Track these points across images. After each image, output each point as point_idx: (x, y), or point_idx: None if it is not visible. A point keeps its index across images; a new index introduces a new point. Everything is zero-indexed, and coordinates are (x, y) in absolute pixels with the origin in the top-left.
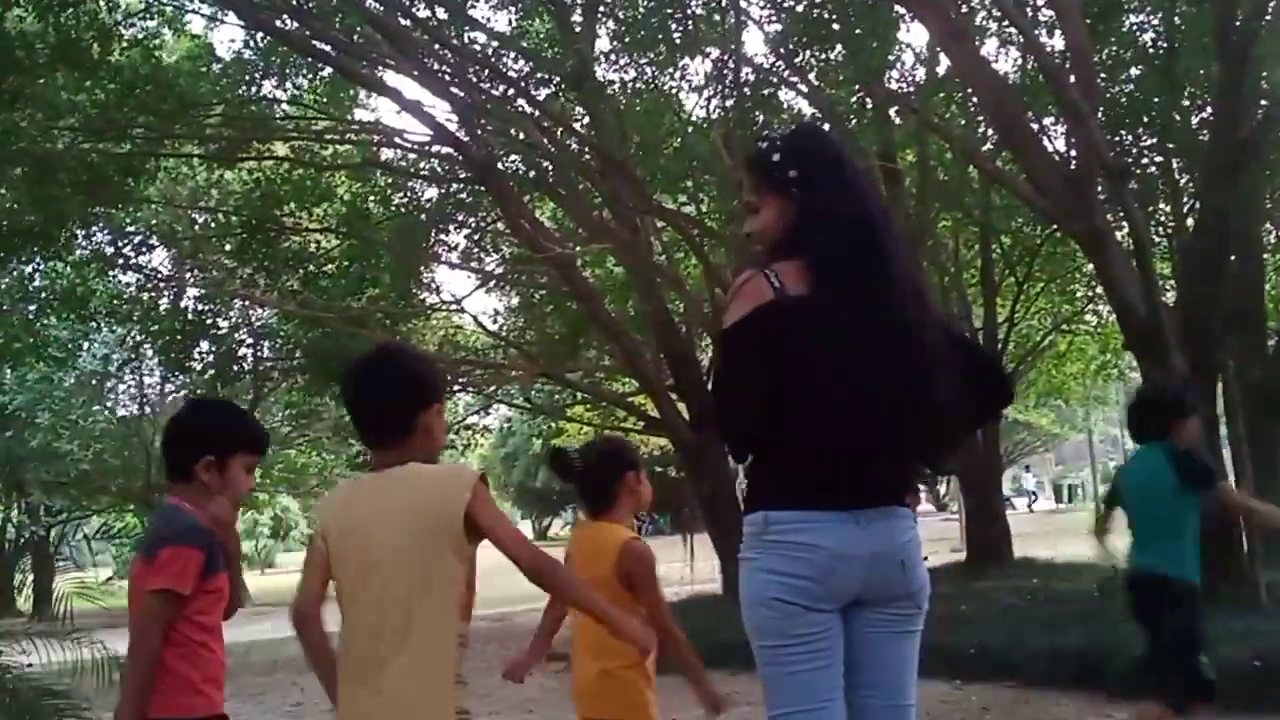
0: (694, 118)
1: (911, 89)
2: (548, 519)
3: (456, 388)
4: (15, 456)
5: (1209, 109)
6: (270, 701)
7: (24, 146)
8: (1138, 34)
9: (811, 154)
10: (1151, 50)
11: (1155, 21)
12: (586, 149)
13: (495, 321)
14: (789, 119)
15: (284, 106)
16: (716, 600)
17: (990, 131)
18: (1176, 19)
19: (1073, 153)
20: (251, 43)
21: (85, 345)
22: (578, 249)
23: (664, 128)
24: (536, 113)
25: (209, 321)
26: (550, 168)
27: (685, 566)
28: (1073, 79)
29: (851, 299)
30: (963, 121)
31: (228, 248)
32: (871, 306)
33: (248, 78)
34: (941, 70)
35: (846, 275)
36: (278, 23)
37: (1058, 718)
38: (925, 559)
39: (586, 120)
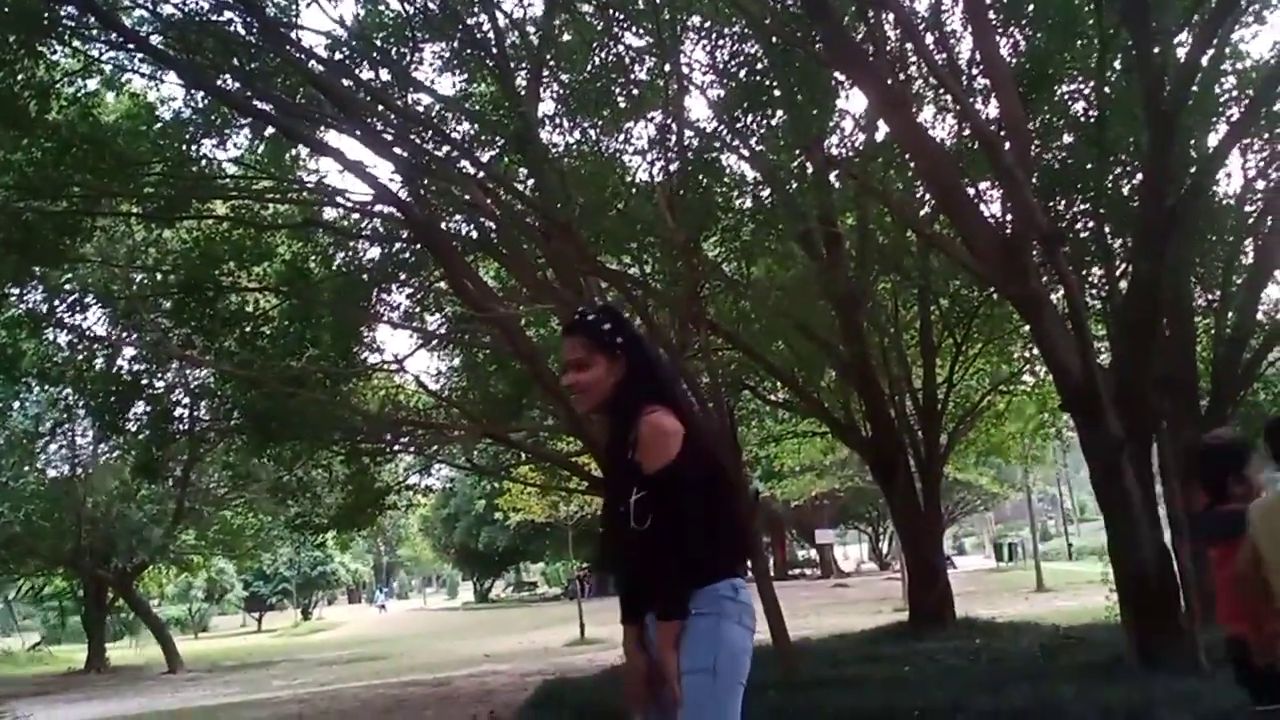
0: (638, 180)
1: (851, 154)
2: (489, 580)
3: (397, 448)
4: None
5: (1139, 175)
6: None
7: None
8: (1070, 102)
9: (626, 324)
10: (1083, 118)
11: (1086, 90)
12: (530, 210)
13: (438, 381)
14: (731, 182)
15: (225, 165)
16: None
17: (928, 196)
18: (1107, 89)
19: (1008, 217)
20: (192, 102)
21: (15, 405)
22: (521, 309)
23: (608, 190)
24: (480, 174)
25: (144, 382)
26: (493, 228)
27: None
28: (1007, 146)
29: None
30: (901, 186)
31: (165, 307)
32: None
33: (187, 136)
34: (880, 136)
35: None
36: (219, 82)
37: None
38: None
39: (530, 182)
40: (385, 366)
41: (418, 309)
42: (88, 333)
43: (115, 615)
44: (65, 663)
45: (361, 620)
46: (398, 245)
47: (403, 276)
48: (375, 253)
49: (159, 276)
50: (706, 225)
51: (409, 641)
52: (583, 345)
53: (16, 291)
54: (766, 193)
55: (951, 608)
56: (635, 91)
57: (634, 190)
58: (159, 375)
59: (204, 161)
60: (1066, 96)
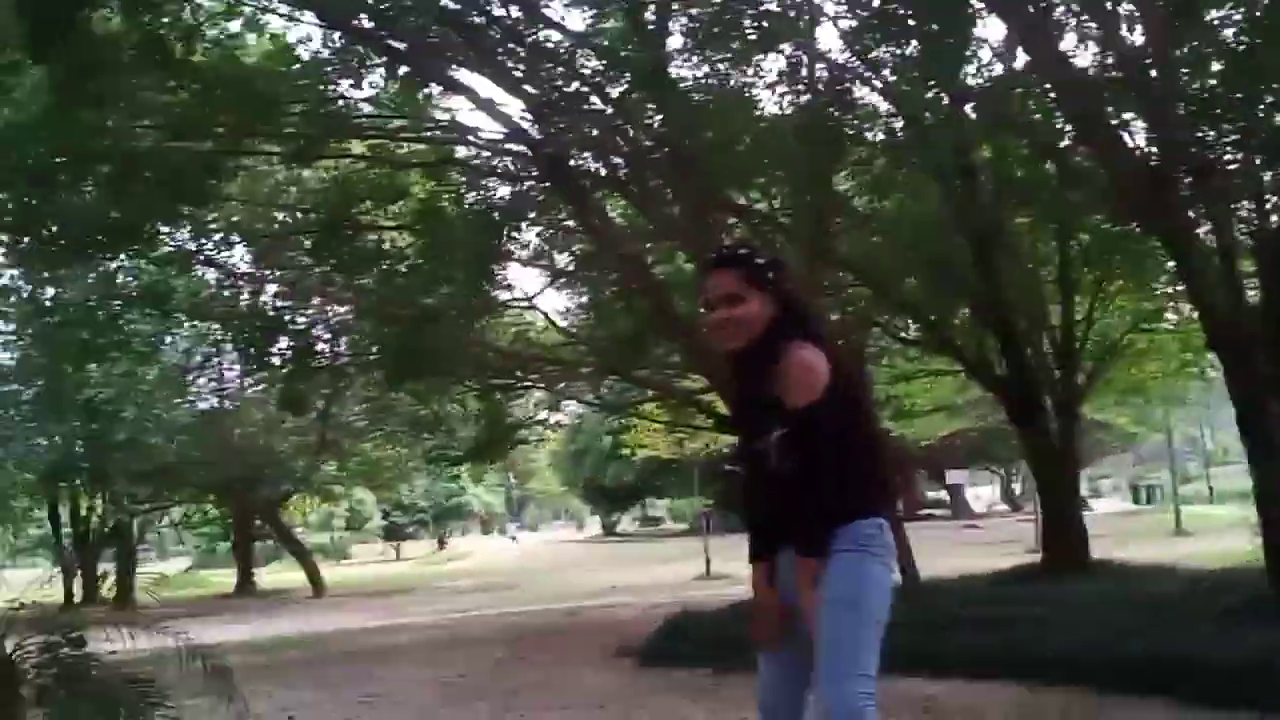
0: (767, 114)
1: (988, 84)
2: (615, 515)
3: (527, 384)
4: (101, 448)
5: None
6: (345, 692)
7: (110, 146)
8: (1219, 28)
9: (775, 258)
10: (1233, 45)
11: (1237, 15)
12: (659, 146)
13: (566, 318)
14: (862, 115)
15: (360, 105)
16: None
17: (1068, 127)
18: (1259, 13)
19: (1153, 149)
20: (329, 42)
21: (167, 340)
22: (648, 246)
23: (737, 124)
24: (609, 110)
25: (287, 318)
26: (622, 165)
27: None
28: (1153, 74)
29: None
30: (1040, 117)
31: (306, 245)
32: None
33: (325, 77)
34: (1019, 65)
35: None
36: (354, 22)
37: None
38: None
39: (659, 118)
40: (515, 303)
41: (547, 247)
42: (233, 270)
43: (262, 542)
44: (215, 587)
45: (493, 551)
46: (527, 183)
47: (532, 214)
48: (506, 191)
49: (299, 215)
50: (837, 159)
51: (539, 572)
52: (737, 279)
53: (166, 230)
54: (899, 125)
55: (1086, 550)
56: (765, 24)
57: (763, 124)
58: (301, 311)
59: (340, 102)
60: (1216, 22)
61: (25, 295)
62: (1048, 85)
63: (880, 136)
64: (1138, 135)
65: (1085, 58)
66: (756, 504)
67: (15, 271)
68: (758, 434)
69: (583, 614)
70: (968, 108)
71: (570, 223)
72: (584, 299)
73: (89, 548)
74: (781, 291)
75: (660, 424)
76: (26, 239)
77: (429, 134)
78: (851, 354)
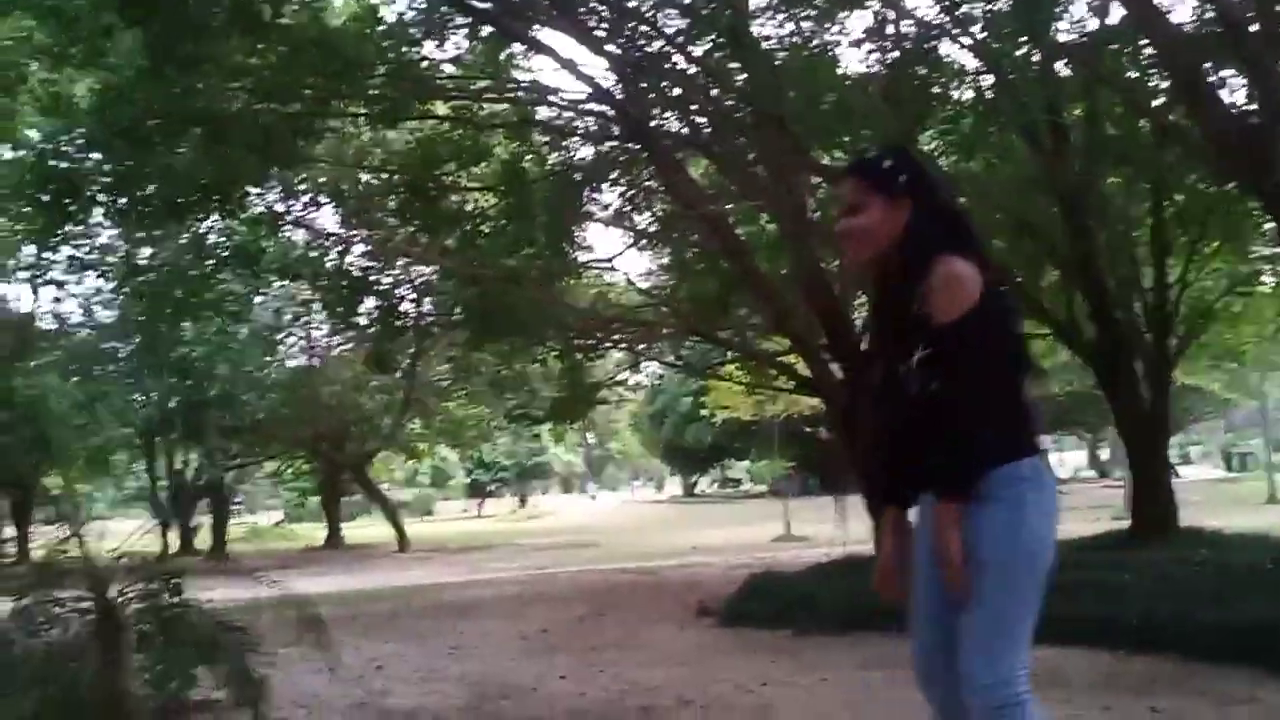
0: (853, 73)
1: (1082, 40)
2: (695, 475)
3: (608, 344)
4: (195, 404)
5: None
6: (432, 643)
7: (202, 108)
8: None
9: (913, 163)
10: None
11: None
12: (742, 105)
13: (647, 279)
14: (950, 72)
15: (444, 67)
16: (869, 562)
17: (1164, 84)
18: None
19: (1253, 106)
20: (413, 4)
21: (258, 300)
22: (730, 207)
23: (820, 83)
24: (692, 69)
25: (373, 278)
26: (705, 124)
27: (836, 528)
28: (1254, 28)
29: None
30: (1135, 74)
31: (391, 206)
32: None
33: (410, 38)
34: (1113, 20)
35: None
36: None
37: (1227, 692)
38: None
39: (743, 77)
40: (596, 265)
41: (628, 207)
42: (321, 231)
43: (350, 497)
44: (305, 540)
45: (573, 510)
46: (609, 144)
47: (614, 175)
48: (587, 152)
49: (385, 176)
50: (923, 118)
51: (618, 531)
52: (856, 187)
53: (256, 192)
54: (988, 83)
55: (1175, 517)
56: None
57: (848, 83)
58: (386, 272)
59: (424, 63)
60: None
61: (123, 255)
62: (1144, 41)
63: (968, 95)
64: (1236, 93)
65: (1183, 12)
66: (892, 440)
67: (114, 231)
68: (898, 357)
69: (662, 573)
70: (1060, 65)
71: (652, 184)
72: (665, 260)
73: (185, 501)
74: (925, 199)
75: (741, 386)
76: (123, 200)
77: (511, 95)
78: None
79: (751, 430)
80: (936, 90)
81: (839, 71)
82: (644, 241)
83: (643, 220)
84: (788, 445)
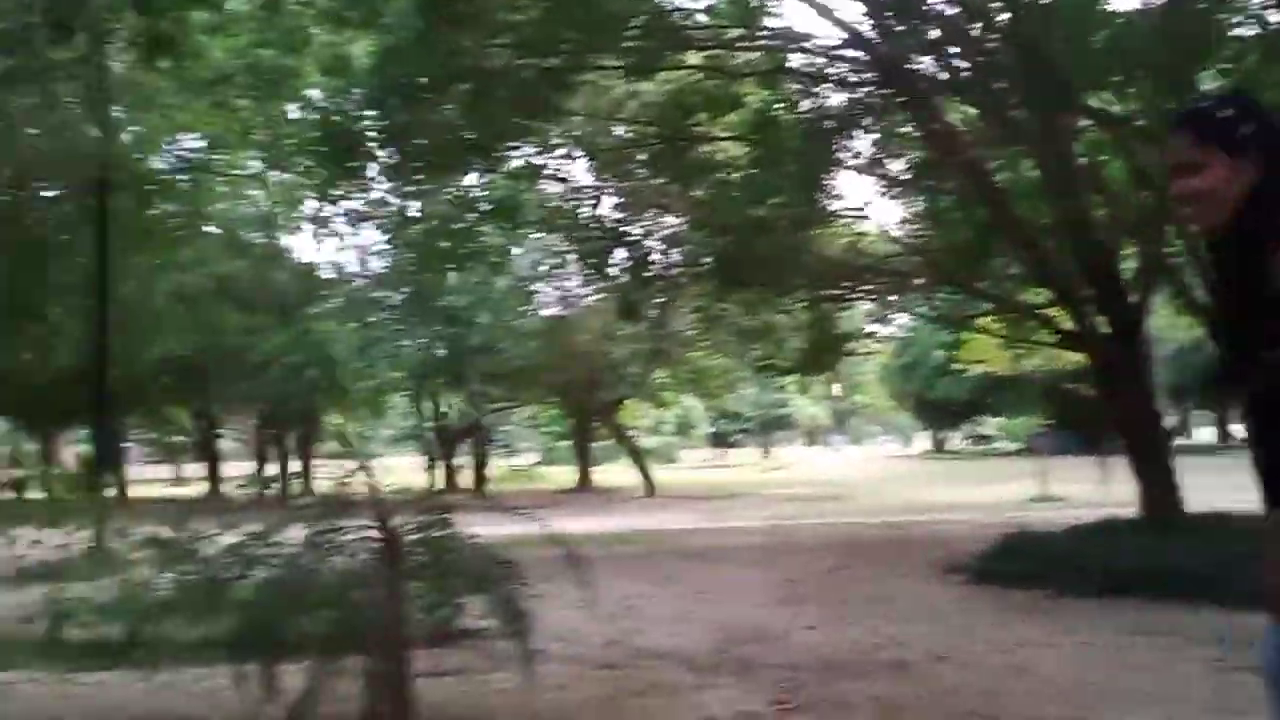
0: (1125, 10)
1: None
2: (944, 431)
3: (857, 295)
4: (458, 351)
5: None
6: (680, 587)
7: (468, 65)
8: None
9: (1259, 112)
10: None
11: None
12: (1005, 46)
13: (899, 228)
14: (1233, 9)
15: (698, 16)
16: (1130, 525)
17: None
18: None
19: None
20: None
21: (516, 252)
22: (990, 152)
23: (1092, 22)
24: (953, 10)
25: (624, 229)
26: (965, 68)
27: (1098, 488)
28: None
29: None
30: None
31: (642, 157)
32: None
33: None
34: None
35: None
36: None
37: None
38: None
39: (1005, 16)
40: (847, 213)
41: (881, 154)
42: (575, 183)
43: (599, 442)
44: (556, 482)
45: (817, 462)
46: (863, 90)
47: (867, 121)
48: (840, 98)
49: (637, 128)
50: (1205, 57)
51: (863, 485)
52: (1191, 143)
53: (515, 146)
54: (1277, 18)
55: None
56: None
57: (1121, 21)
58: (637, 223)
59: (678, 14)
60: None
61: (395, 208)
62: None
63: (1253, 30)
64: None
65: None
66: (1271, 440)
67: (387, 185)
68: (1262, 344)
69: (910, 529)
70: None
71: (907, 130)
72: (919, 208)
73: (448, 441)
74: (1269, 149)
75: (997, 339)
76: (396, 155)
77: (763, 43)
78: None
79: (1007, 385)
80: (1218, 25)
81: (1110, 7)
82: (897, 189)
83: (896, 167)
84: (1045, 401)
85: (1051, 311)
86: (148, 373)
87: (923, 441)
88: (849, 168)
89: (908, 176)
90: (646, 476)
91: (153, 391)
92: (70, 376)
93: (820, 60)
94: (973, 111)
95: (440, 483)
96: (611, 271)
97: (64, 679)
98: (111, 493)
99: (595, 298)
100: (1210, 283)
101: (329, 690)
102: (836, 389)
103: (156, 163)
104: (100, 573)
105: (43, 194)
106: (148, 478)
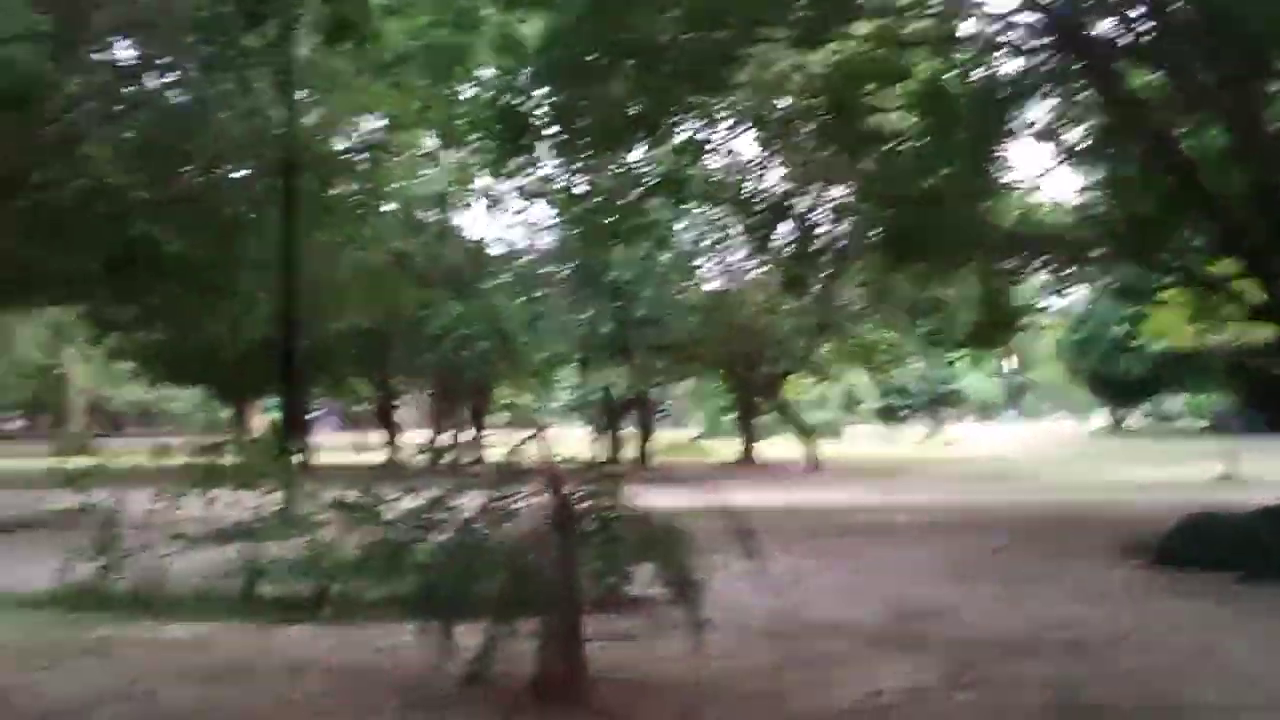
0: None
1: None
2: (1123, 408)
3: (1032, 268)
4: (624, 324)
5: None
6: (848, 561)
7: (636, 40)
8: None
9: None
10: None
11: None
12: (1192, 7)
13: (1077, 198)
14: None
15: None
16: None
17: None
18: None
19: None
20: None
21: (681, 225)
22: (1175, 118)
23: None
24: None
25: (789, 202)
26: (1147, 30)
27: None
28: None
29: None
30: None
31: (809, 129)
32: None
33: None
34: None
35: None
36: None
37: None
38: None
39: None
40: (1022, 183)
41: (1058, 123)
42: (740, 156)
43: (762, 417)
44: (719, 456)
45: (988, 439)
46: (1038, 56)
47: (1043, 89)
48: (1014, 65)
49: (804, 100)
50: None
51: (1037, 463)
52: None
53: (681, 120)
54: None
55: None
56: None
57: None
58: (803, 195)
59: None
60: None
61: (562, 184)
62: None
63: None
64: None
65: None
66: None
67: (555, 162)
68: None
69: (1086, 508)
70: None
71: (1085, 96)
72: (1099, 177)
73: (614, 413)
74: None
75: (1181, 313)
76: (564, 131)
77: (934, 10)
78: None
79: (1191, 361)
80: None
81: None
82: (1075, 158)
83: (1074, 136)
84: (1232, 378)
85: (1240, 284)
86: (331, 344)
87: (1100, 419)
88: (1023, 137)
89: (1086, 145)
90: (811, 452)
91: (336, 362)
92: (260, 348)
93: (993, 26)
94: (1156, 76)
95: (606, 454)
96: (776, 245)
97: (258, 632)
98: (298, 459)
99: (760, 271)
100: None
101: (504, 650)
102: (1009, 364)
103: (338, 143)
104: (291, 534)
105: (233, 175)
106: (331, 445)
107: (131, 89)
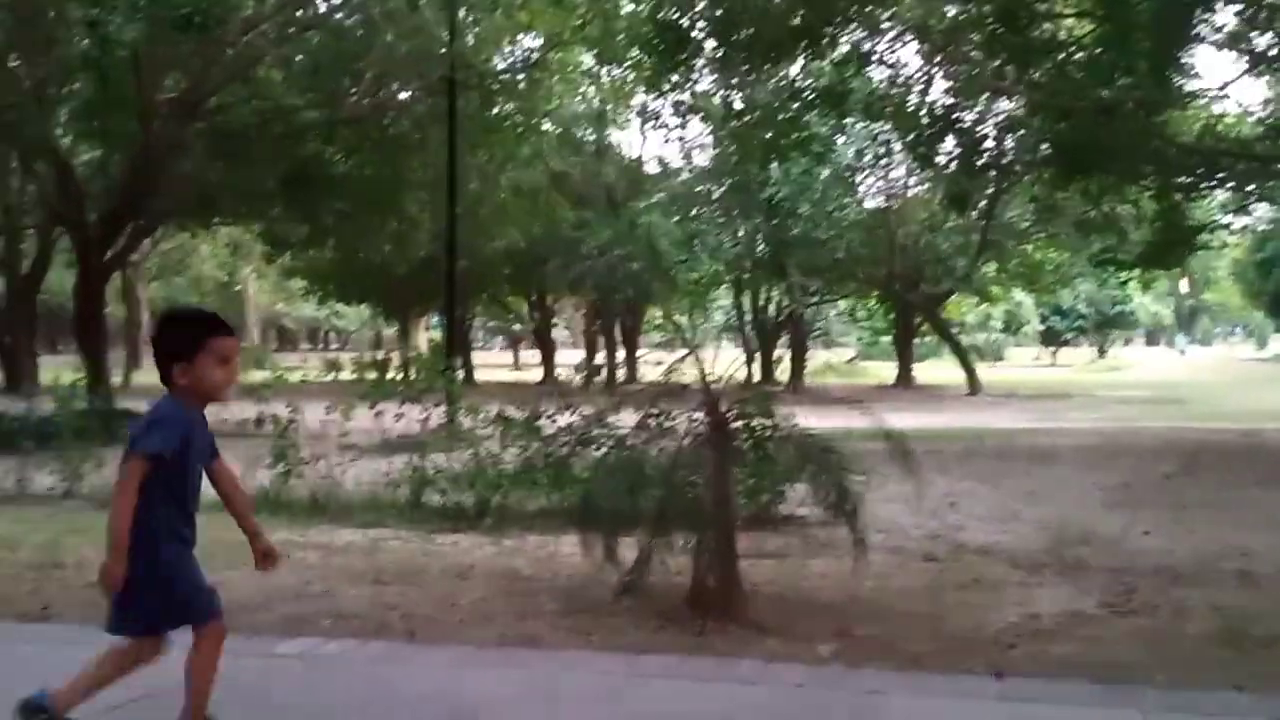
0: None
1: None
2: None
3: (1213, 183)
4: (779, 242)
5: None
6: (1006, 485)
7: None
8: None
9: None
10: None
11: None
12: None
13: (1264, 109)
14: None
15: None
16: None
17: None
18: None
19: None
20: None
21: (840, 141)
22: None
23: None
24: None
25: (955, 115)
26: None
27: None
28: None
29: None
30: None
31: (977, 39)
32: None
33: None
34: None
35: None
36: None
37: None
38: None
39: None
40: (1205, 93)
41: (1247, 27)
42: (904, 68)
43: (921, 339)
44: (876, 378)
45: (1159, 364)
46: None
47: None
48: None
49: (972, 7)
50: None
51: (1211, 389)
52: None
53: (843, 31)
54: None
55: None
56: None
57: None
58: (969, 108)
59: None
60: None
61: (720, 100)
62: None
63: None
64: None
65: None
66: None
67: (713, 78)
68: None
69: (1262, 436)
70: None
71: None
72: None
73: (768, 334)
74: None
75: None
76: (723, 45)
77: None
78: None
79: None
80: None
81: None
82: (1263, 66)
83: (1264, 41)
84: None
85: None
86: (491, 263)
87: (1278, 343)
88: (1209, 43)
89: (1276, 52)
90: (971, 374)
91: (495, 280)
92: (424, 266)
93: None
94: None
95: (758, 375)
96: (940, 160)
97: (425, 537)
98: (460, 374)
99: (922, 188)
100: None
101: (660, 563)
102: (1184, 285)
103: (499, 63)
104: (454, 446)
105: (399, 95)
106: (491, 363)
107: (303, 13)
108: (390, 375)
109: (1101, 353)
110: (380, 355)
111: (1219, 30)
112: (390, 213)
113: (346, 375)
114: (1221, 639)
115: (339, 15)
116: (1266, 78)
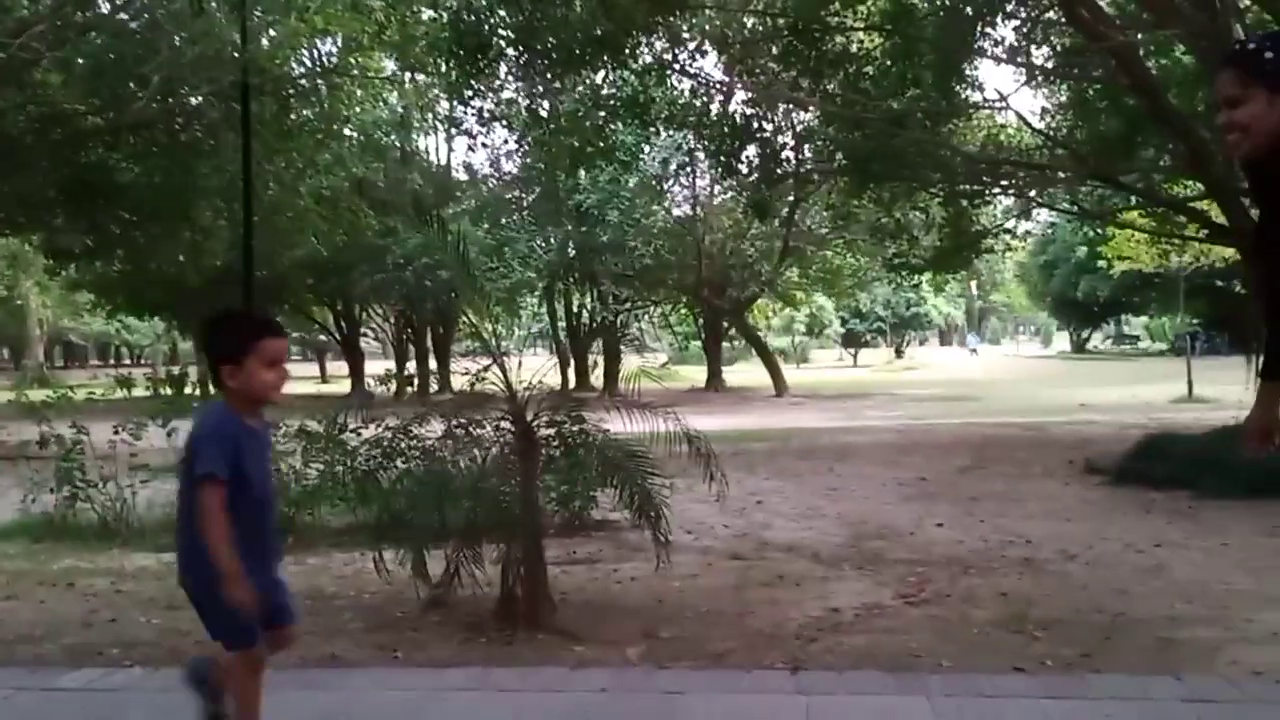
0: None
1: None
2: (1086, 331)
3: (996, 190)
4: (588, 249)
5: None
6: (809, 483)
7: None
8: None
9: None
10: None
11: None
12: None
13: (1042, 119)
14: None
15: None
16: None
17: None
18: None
19: None
20: None
21: (646, 149)
22: (1141, 37)
23: None
24: None
25: (755, 125)
26: None
27: (1246, 389)
28: None
29: None
30: None
31: (774, 51)
32: None
33: None
34: None
35: None
36: None
37: None
38: None
39: None
40: (987, 104)
41: (1024, 42)
42: (705, 79)
43: (729, 343)
44: (688, 382)
45: (952, 362)
46: None
47: (1009, 7)
48: None
49: (769, 21)
50: None
51: (1001, 386)
52: (1235, 79)
53: (645, 41)
54: None
55: None
56: None
57: None
58: (768, 118)
59: None
60: None
61: (525, 107)
62: None
63: None
64: None
65: None
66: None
67: (517, 85)
68: None
69: (1048, 429)
70: None
71: (1052, 15)
72: (1064, 98)
73: (580, 340)
74: None
75: (1144, 234)
76: (526, 53)
77: None
78: None
79: (1153, 283)
80: None
81: None
82: (1041, 78)
83: (1040, 55)
84: (1194, 300)
85: (1203, 205)
86: (291, 272)
87: (1062, 341)
88: (990, 56)
89: (1052, 65)
90: (777, 376)
91: (296, 290)
92: (220, 277)
93: None
94: None
95: (572, 381)
96: (742, 168)
97: None
98: None
99: (727, 196)
100: (1256, 206)
101: (469, 575)
102: (973, 287)
103: (295, 67)
104: None
105: (190, 100)
106: (296, 375)
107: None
108: (186, 390)
109: (899, 353)
110: (175, 370)
111: (1000, 44)
112: (182, 221)
113: (140, 392)
114: (1005, 623)
115: (121, 16)
116: (1044, 90)
